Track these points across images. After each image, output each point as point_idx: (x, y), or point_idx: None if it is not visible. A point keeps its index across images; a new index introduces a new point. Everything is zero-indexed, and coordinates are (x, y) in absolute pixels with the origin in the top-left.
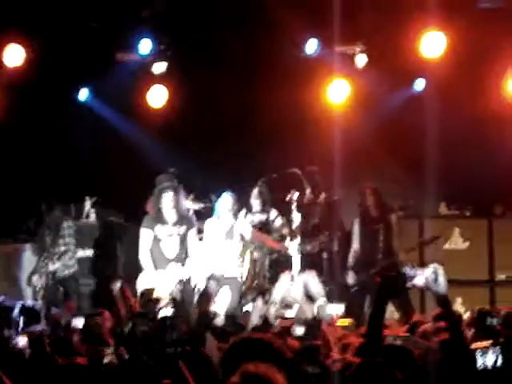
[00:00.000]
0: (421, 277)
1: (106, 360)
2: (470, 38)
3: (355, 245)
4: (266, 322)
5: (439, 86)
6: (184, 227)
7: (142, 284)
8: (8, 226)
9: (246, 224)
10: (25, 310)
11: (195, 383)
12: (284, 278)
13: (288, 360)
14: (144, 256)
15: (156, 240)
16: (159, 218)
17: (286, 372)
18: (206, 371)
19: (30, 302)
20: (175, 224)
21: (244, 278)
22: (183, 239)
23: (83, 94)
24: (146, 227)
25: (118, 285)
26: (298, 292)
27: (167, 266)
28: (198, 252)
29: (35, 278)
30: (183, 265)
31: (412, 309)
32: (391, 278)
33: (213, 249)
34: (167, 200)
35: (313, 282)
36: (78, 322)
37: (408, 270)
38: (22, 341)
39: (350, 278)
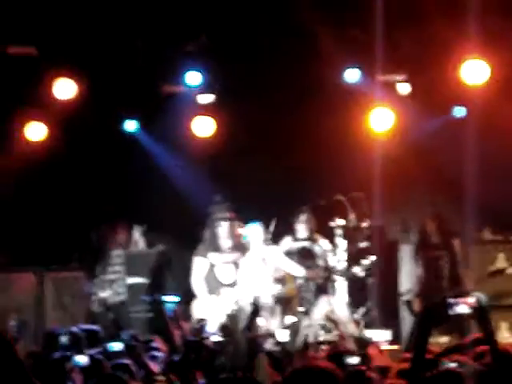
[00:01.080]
0: (463, 305)
1: None
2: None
3: (418, 271)
4: (305, 345)
5: (481, 113)
6: (238, 254)
7: (196, 310)
8: (59, 255)
9: (280, 253)
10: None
11: None
12: (322, 301)
13: None
14: (198, 283)
15: (211, 267)
16: (214, 246)
17: None
18: None
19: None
20: (230, 251)
21: (284, 303)
22: (237, 266)
23: (131, 125)
24: (200, 255)
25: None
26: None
27: (221, 291)
28: (242, 280)
29: (90, 304)
30: (237, 291)
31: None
32: (434, 306)
33: (250, 277)
34: (222, 231)
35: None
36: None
37: (450, 299)
38: (81, 360)
39: (416, 306)
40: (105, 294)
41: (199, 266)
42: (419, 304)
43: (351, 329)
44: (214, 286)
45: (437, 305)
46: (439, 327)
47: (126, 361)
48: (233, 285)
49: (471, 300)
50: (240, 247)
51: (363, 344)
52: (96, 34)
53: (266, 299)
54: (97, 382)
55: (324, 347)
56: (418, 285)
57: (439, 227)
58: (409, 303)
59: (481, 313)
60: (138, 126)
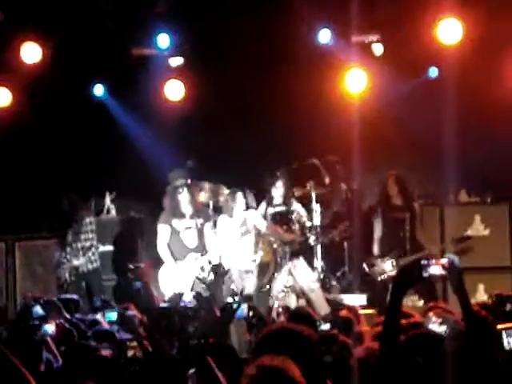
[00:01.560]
0: (436, 266)
1: (129, 353)
2: (485, 24)
3: (377, 233)
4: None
5: (455, 73)
6: (201, 220)
7: (163, 276)
8: (29, 224)
9: (259, 217)
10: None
11: (221, 375)
12: (284, 270)
13: (312, 349)
14: (162, 250)
15: (175, 232)
16: (176, 213)
17: (305, 360)
18: (231, 363)
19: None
20: (192, 217)
21: (258, 270)
22: (201, 232)
23: (99, 90)
24: (163, 222)
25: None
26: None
27: (187, 256)
28: (215, 246)
29: (58, 272)
30: (202, 255)
31: (435, 297)
32: (407, 268)
33: (227, 244)
34: (182, 197)
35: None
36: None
37: (423, 260)
38: (49, 329)
39: (378, 267)
40: (77, 261)
41: (163, 232)
42: (379, 266)
43: (318, 296)
44: (179, 251)
45: (410, 266)
46: (413, 289)
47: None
48: (197, 249)
49: (444, 261)
50: (202, 213)
51: (337, 308)
52: None
53: (242, 264)
54: (65, 351)
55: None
56: (377, 247)
57: (401, 190)
58: (371, 265)
59: (454, 274)
60: (106, 91)
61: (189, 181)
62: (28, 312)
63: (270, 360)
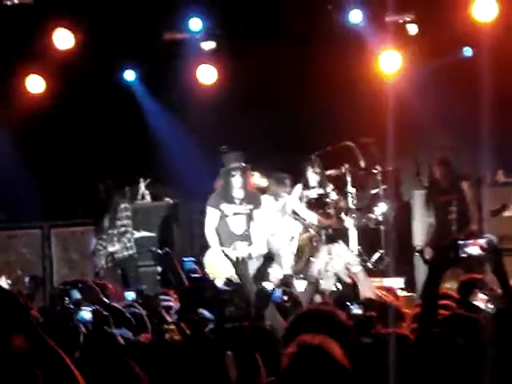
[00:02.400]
0: (474, 246)
1: (167, 336)
2: None
3: (429, 219)
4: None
5: (491, 51)
6: (251, 206)
7: (208, 260)
8: (64, 210)
9: (297, 201)
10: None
11: (258, 357)
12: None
13: (347, 331)
14: (210, 234)
15: (223, 217)
16: (226, 197)
17: (343, 343)
18: (267, 345)
19: None
20: (241, 202)
21: (294, 254)
22: (249, 217)
23: (130, 75)
24: (212, 206)
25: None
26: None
27: (234, 244)
28: (258, 230)
29: (94, 259)
30: (250, 243)
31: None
32: (444, 248)
33: (268, 227)
34: (236, 181)
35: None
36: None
37: (460, 240)
38: (86, 315)
39: (428, 254)
40: (113, 248)
41: (211, 216)
42: (430, 252)
43: (360, 279)
44: (226, 237)
45: (447, 247)
46: (451, 271)
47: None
48: (245, 236)
49: (482, 241)
50: (253, 199)
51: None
52: None
53: (280, 250)
54: (86, 337)
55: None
56: (428, 233)
57: (446, 172)
58: (421, 252)
59: (492, 254)
60: (138, 76)
61: (243, 164)
62: (64, 296)
63: (311, 338)
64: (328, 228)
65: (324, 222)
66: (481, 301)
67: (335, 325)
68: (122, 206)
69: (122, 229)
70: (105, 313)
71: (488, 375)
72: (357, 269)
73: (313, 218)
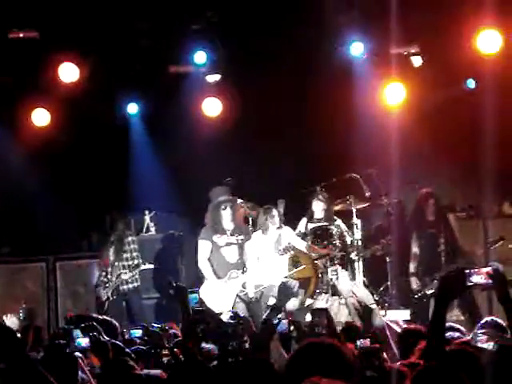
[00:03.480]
0: (479, 275)
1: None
2: None
3: (414, 249)
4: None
5: (495, 84)
6: (241, 236)
7: (205, 293)
8: (69, 243)
9: (293, 234)
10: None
11: None
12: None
13: (350, 367)
14: (204, 266)
15: (216, 247)
16: (217, 229)
17: (346, 378)
18: (270, 380)
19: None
20: (233, 233)
21: (299, 285)
22: (241, 248)
23: (133, 108)
24: (204, 238)
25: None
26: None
27: (228, 273)
28: (250, 259)
29: (97, 291)
30: (243, 271)
31: (477, 310)
32: (450, 278)
33: (261, 261)
34: (226, 214)
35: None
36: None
37: (466, 270)
38: (83, 341)
39: (414, 284)
40: (123, 278)
41: (203, 248)
42: (416, 282)
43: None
44: (220, 266)
45: (453, 275)
46: (456, 301)
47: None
48: (239, 265)
49: (488, 269)
50: (243, 230)
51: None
52: (99, 16)
53: (279, 281)
54: (103, 366)
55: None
56: (413, 264)
57: (432, 205)
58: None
59: (499, 282)
60: (143, 108)
61: (231, 197)
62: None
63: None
64: (325, 257)
65: (318, 251)
66: (481, 341)
67: (338, 360)
68: (130, 238)
69: (131, 262)
70: (102, 339)
71: None
72: (374, 306)
73: (303, 247)
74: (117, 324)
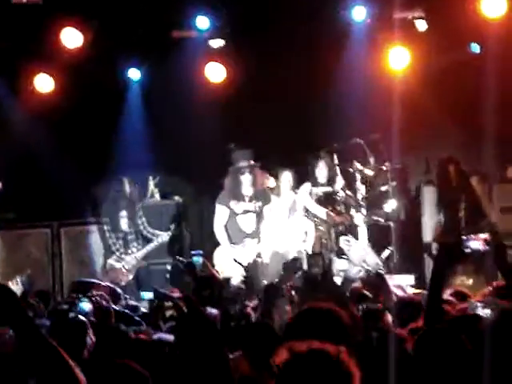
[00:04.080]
0: (477, 241)
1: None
2: None
3: (439, 216)
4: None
5: (499, 48)
6: (260, 203)
7: (218, 258)
8: (74, 209)
9: (308, 197)
10: None
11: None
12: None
13: (346, 329)
14: (219, 231)
15: (232, 215)
16: (235, 195)
17: (343, 341)
18: (273, 342)
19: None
20: (251, 200)
21: (309, 252)
22: (259, 215)
23: (136, 73)
24: (221, 204)
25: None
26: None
27: (243, 241)
28: (267, 228)
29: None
30: (259, 241)
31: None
32: (448, 245)
33: (276, 226)
34: (245, 179)
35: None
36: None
37: (464, 236)
38: (86, 306)
39: (434, 249)
40: (151, 245)
41: (220, 214)
42: (437, 248)
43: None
44: (235, 234)
45: (451, 243)
46: (461, 267)
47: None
48: (255, 234)
49: (485, 236)
50: (262, 196)
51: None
52: None
53: (294, 249)
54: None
55: None
56: (436, 230)
57: (455, 170)
58: (428, 247)
59: (496, 248)
60: (147, 74)
61: (252, 162)
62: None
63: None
64: (339, 225)
65: (336, 220)
66: (476, 308)
67: (335, 323)
68: (139, 205)
69: (139, 227)
70: (105, 305)
71: (489, 374)
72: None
73: (324, 214)
74: (119, 290)
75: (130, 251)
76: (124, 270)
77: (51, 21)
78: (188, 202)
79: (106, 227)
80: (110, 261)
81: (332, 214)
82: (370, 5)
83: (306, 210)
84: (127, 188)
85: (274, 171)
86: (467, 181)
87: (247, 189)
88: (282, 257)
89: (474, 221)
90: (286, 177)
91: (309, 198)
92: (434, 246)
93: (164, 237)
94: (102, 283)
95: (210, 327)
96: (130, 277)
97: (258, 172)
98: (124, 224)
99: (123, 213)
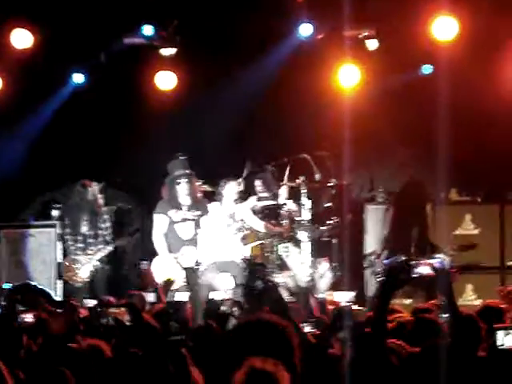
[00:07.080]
0: (425, 266)
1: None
2: (481, 22)
3: (385, 232)
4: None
5: (450, 70)
6: (198, 212)
7: (156, 267)
8: (15, 212)
9: (247, 210)
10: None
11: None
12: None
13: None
14: (158, 240)
15: (171, 223)
16: (173, 204)
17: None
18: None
19: None
20: (189, 209)
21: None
22: (197, 224)
23: (80, 78)
24: (160, 213)
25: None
26: None
27: (181, 249)
28: (205, 236)
29: (69, 262)
30: (197, 248)
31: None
32: (395, 267)
33: (214, 235)
34: (182, 188)
35: None
36: None
37: (412, 260)
38: (28, 318)
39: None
40: (108, 248)
41: (159, 223)
42: (383, 268)
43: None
44: (174, 243)
45: (398, 266)
46: (403, 289)
47: None
48: (193, 242)
49: (433, 261)
50: (200, 205)
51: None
52: None
53: (230, 258)
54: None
55: None
56: (381, 245)
57: (419, 194)
58: (370, 264)
59: (442, 275)
60: (93, 79)
61: (188, 171)
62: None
63: (261, 363)
64: (278, 236)
65: (274, 230)
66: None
67: (277, 337)
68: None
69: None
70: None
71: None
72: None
73: (262, 226)
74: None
75: (88, 252)
76: (79, 272)
77: (1, 21)
78: (132, 209)
79: (66, 230)
80: (66, 262)
81: (270, 225)
82: (321, 22)
83: (243, 222)
84: (89, 193)
85: (220, 181)
86: (424, 207)
87: (185, 198)
88: (220, 265)
89: (423, 246)
90: (231, 187)
91: (248, 210)
92: (377, 264)
93: (122, 242)
94: (38, 286)
95: (153, 335)
96: (86, 278)
97: (195, 180)
98: (84, 229)
99: (85, 216)
